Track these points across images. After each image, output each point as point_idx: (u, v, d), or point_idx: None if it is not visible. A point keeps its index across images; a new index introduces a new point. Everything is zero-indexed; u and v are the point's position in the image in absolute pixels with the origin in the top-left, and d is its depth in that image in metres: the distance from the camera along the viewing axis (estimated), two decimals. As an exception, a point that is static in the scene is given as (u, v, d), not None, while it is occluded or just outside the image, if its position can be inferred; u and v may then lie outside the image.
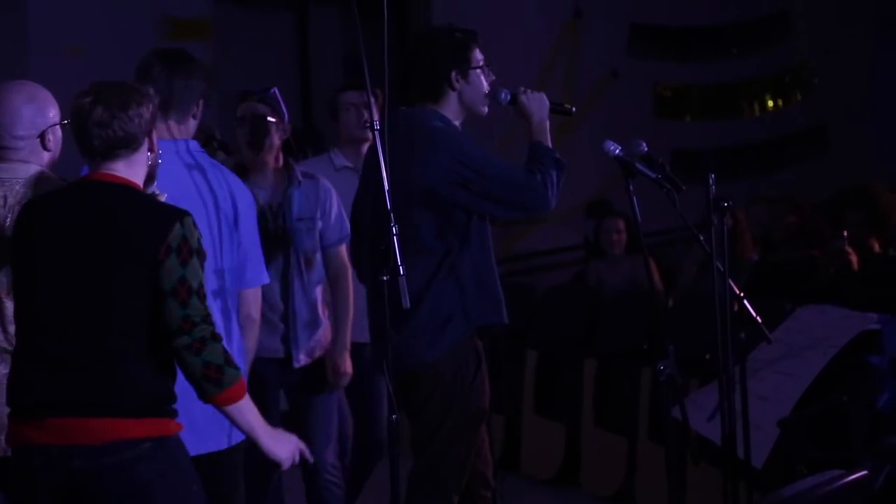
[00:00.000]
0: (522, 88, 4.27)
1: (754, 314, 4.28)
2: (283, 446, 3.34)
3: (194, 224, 3.24)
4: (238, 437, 3.75)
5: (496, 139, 7.97)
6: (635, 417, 6.38)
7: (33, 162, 3.73)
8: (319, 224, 4.85)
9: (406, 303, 3.47)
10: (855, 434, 4.91)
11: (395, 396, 3.51)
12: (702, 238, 4.19)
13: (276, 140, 4.81)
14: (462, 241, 4.14)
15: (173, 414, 3.27)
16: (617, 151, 4.04)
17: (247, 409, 3.27)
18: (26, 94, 3.75)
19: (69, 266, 3.21)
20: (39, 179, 3.68)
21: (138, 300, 3.18)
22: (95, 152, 3.24)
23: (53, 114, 3.78)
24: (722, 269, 4.13)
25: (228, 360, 3.22)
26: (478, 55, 4.25)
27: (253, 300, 4.03)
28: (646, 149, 4.09)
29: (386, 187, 3.55)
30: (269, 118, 4.77)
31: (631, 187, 4.00)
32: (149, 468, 3.17)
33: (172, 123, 3.86)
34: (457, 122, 4.25)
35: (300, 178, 4.83)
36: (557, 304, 7.69)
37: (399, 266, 3.44)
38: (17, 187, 3.67)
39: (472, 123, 4.37)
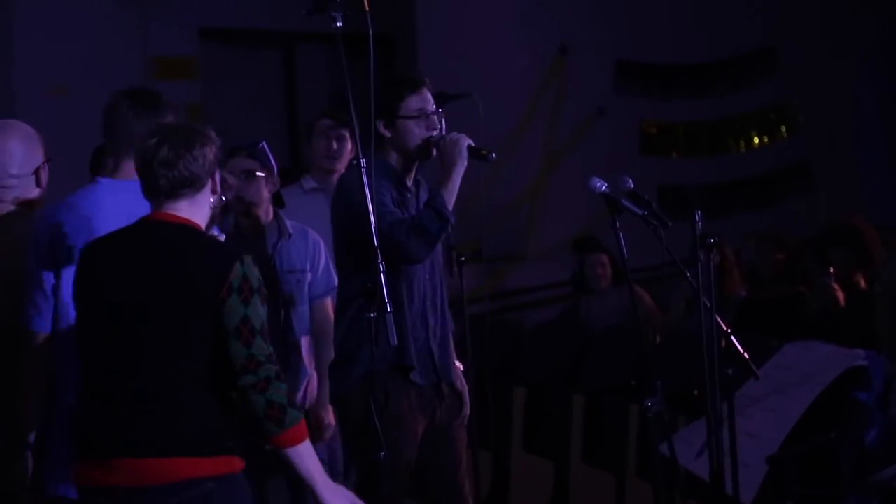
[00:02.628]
0: (449, 134, 4.27)
1: (742, 350, 4.28)
2: (339, 498, 3.30)
3: (253, 263, 3.27)
4: None
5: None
6: (624, 454, 6.37)
7: (26, 199, 3.77)
8: (308, 277, 4.86)
9: (393, 340, 3.47)
10: (843, 470, 4.91)
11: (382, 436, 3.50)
12: (689, 274, 4.20)
13: (266, 194, 4.83)
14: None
15: (237, 451, 3.27)
16: (603, 188, 4.05)
17: (306, 454, 3.26)
18: (20, 135, 3.84)
19: (133, 307, 3.22)
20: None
21: (202, 340, 3.21)
22: (160, 191, 3.28)
23: (42, 152, 3.84)
24: (709, 305, 4.13)
25: (291, 402, 3.25)
26: (413, 103, 4.27)
27: None
28: (632, 185, 4.11)
29: (373, 224, 3.56)
30: (259, 173, 4.78)
31: (617, 224, 4.01)
32: None
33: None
34: (403, 168, 4.30)
35: (290, 230, 4.85)
36: (545, 341, 7.69)
37: (386, 303, 3.45)
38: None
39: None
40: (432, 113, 4.29)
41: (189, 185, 3.28)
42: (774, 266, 7.22)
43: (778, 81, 11.46)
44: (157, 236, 3.27)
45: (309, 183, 5.52)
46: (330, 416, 4.89)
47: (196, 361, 3.21)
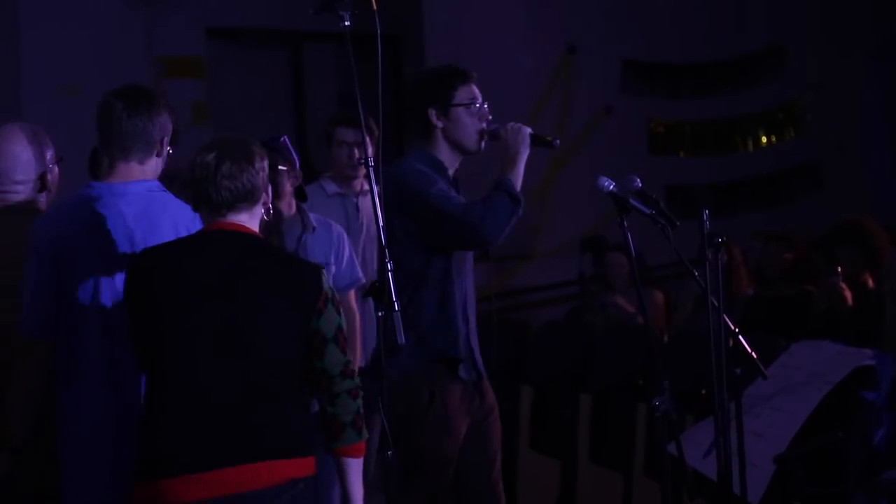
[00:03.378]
0: (510, 123, 4.34)
1: (749, 350, 4.28)
2: None
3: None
4: None
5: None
6: (631, 453, 6.36)
7: (31, 201, 3.76)
8: (333, 269, 4.88)
9: (401, 339, 3.48)
10: (851, 470, 4.90)
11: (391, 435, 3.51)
12: (696, 273, 4.20)
13: (288, 187, 4.85)
14: (423, 275, 4.21)
15: (314, 452, 3.32)
16: (611, 187, 4.05)
17: (359, 469, 3.38)
18: (25, 139, 3.80)
19: (212, 316, 3.23)
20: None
21: (293, 349, 3.27)
22: (222, 204, 3.32)
23: (50, 155, 3.81)
24: (717, 304, 4.13)
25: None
26: (464, 93, 4.32)
27: None
28: (640, 185, 4.10)
29: (381, 223, 3.57)
30: (281, 167, 4.80)
31: (625, 223, 4.01)
32: None
33: (134, 164, 3.73)
34: (449, 160, 4.34)
35: (314, 224, 4.86)
36: (552, 340, 7.69)
37: (394, 302, 3.46)
38: None
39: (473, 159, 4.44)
40: (482, 104, 4.34)
41: (250, 199, 3.34)
42: (782, 265, 7.21)
43: (786, 81, 11.45)
44: (233, 245, 3.31)
45: (331, 187, 5.56)
46: None
47: (289, 370, 3.27)
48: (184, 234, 3.64)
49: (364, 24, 3.68)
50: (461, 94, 4.33)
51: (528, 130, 4.32)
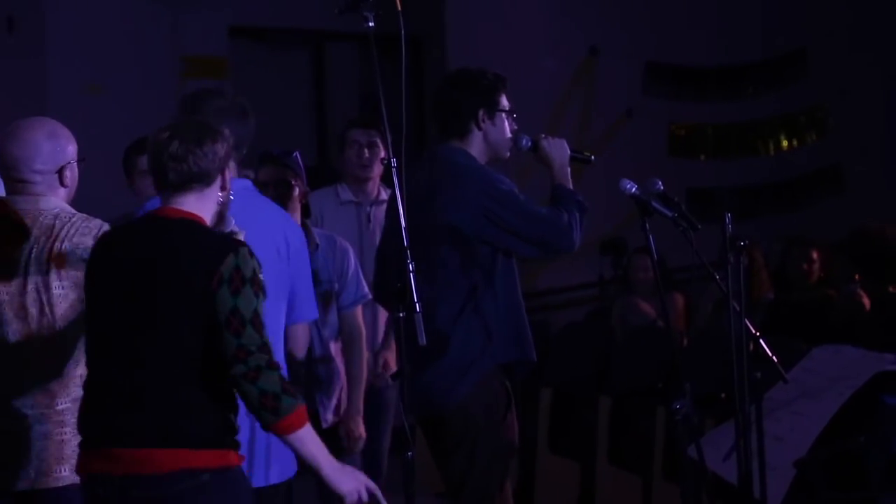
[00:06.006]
0: (543, 135, 4.36)
1: (770, 354, 4.27)
2: (347, 479, 3.28)
3: (250, 254, 3.27)
4: (277, 477, 3.73)
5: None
6: (650, 456, 6.35)
7: (50, 196, 3.78)
8: (336, 286, 4.87)
9: (422, 340, 3.48)
10: (871, 475, 4.88)
11: (410, 435, 3.50)
12: (718, 277, 4.19)
13: (298, 203, 4.84)
14: (487, 278, 4.19)
15: (235, 445, 3.28)
16: (633, 190, 4.05)
17: (308, 439, 3.24)
18: (47, 131, 3.83)
19: (131, 299, 3.26)
20: (63, 215, 3.75)
21: (196, 331, 3.22)
22: (169, 185, 3.31)
23: (72, 151, 3.85)
24: (738, 308, 4.12)
25: (286, 389, 3.21)
26: (505, 100, 4.34)
27: (302, 335, 4.06)
28: (661, 187, 4.10)
29: (402, 224, 3.57)
30: (292, 181, 4.80)
31: (647, 226, 4.01)
32: (209, 499, 3.19)
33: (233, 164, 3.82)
34: (482, 162, 4.34)
35: (318, 240, 4.86)
36: (572, 342, 7.68)
37: (415, 303, 3.46)
38: (45, 220, 3.73)
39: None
40: (513, 113, 4.38)
41: (198, 181, 3.31)
42: (808, 270, 7.19)
43: (808, 84, 11.41)
44: (157, 231, 3.31)
45: (345, 194, 5.55)
46: (360, 429, 4.87)
47: (192, 354, 3.22)
48: (279, 237, 3.77)
49: (386, 25, 3.69)
50: (504, 101, 4.35)
51: (566, 142, 4.36)
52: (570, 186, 4.35)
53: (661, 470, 6.29)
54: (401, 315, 3.50)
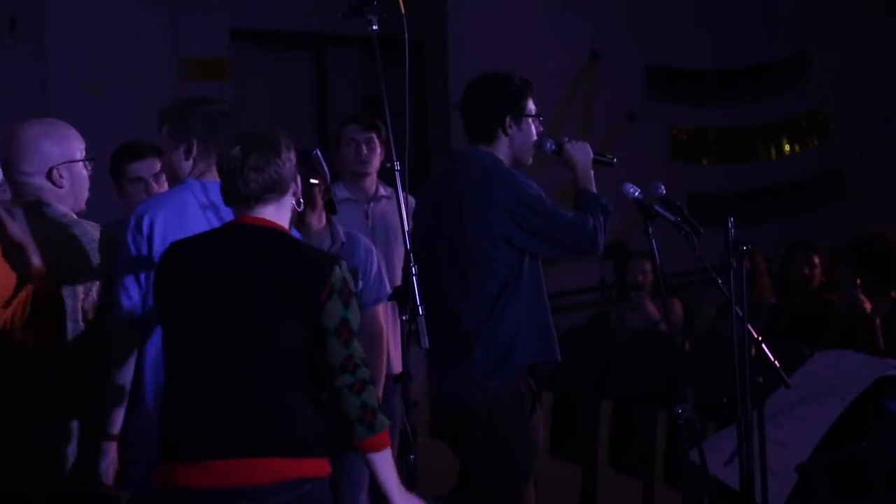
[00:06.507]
0: (567, 139, 4.41)
1: (772, 359, 4.26)
2: None
3: (348, 269, 3.31)
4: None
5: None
6: (651, 460, 6.34)
7: (45, 199, 3.73)
8: (360, 284, 4.87)
9: (425, 343, 3.48)
10: (874, 480, 4.88)
11: (413, 438, 3.50)
12: (720, 281, 4.18)
13: (319, 201, 4.85)
14: (515, 280, 4.23)
15: (328, 454, 3.28)
16: (636, 194, 4.06)
17: (388, 462, 3.29)
18: (38, 132, 3.76)
19: (226, 306, 3.25)
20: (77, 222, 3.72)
21: (299, 340, 3.23)
22: (250, 196, 3.31)
23: (69, 150, 3.77)
24: (741, 313, 4.11)
25: (381, 408, 3.27)
26: (531, 105, 4.38)
27: None
28: (664, 191, 4.10)
29: (406, 228, 3.57)
30: (313, 180, 4.81)
31: (650, 230, 4.01)
32: None
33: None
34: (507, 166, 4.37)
35: (342, 238, 4.86)
36: (573, 346, 7.67)
37: (418, 306, 3.46)
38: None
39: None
40: (539, 117, 4.41)
41: (277, 190, 3.32)
42: (810, 275, 7.18)
43: (810, 89, 11.41)
44: (251, 238, 3.30)
45: (341, 192, 5.52)
46: None
47: (295, 362, 3.23)
48: None
49: (388, 29, 3.69)
50: (531, 106, 4.39)
51: (589, 146, 4.41)
52: (594, 189, 4.39)
53: (662, 474, 6.28)
54: (404, 318, 3.50)
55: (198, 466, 3.18)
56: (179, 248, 3.38)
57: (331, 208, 4.92)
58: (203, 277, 3.28)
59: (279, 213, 3.35)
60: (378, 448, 3.26)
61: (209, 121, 3.81)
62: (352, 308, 3.26)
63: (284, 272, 3.24)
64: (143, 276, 3.66)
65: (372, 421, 3.23)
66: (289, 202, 3.37)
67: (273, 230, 3.32)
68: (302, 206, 3.46)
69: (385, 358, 4.89)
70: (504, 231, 4.19)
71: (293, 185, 3.37)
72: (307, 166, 4.78)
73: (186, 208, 3.69)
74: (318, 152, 4.85)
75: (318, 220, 4.87)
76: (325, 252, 3.42)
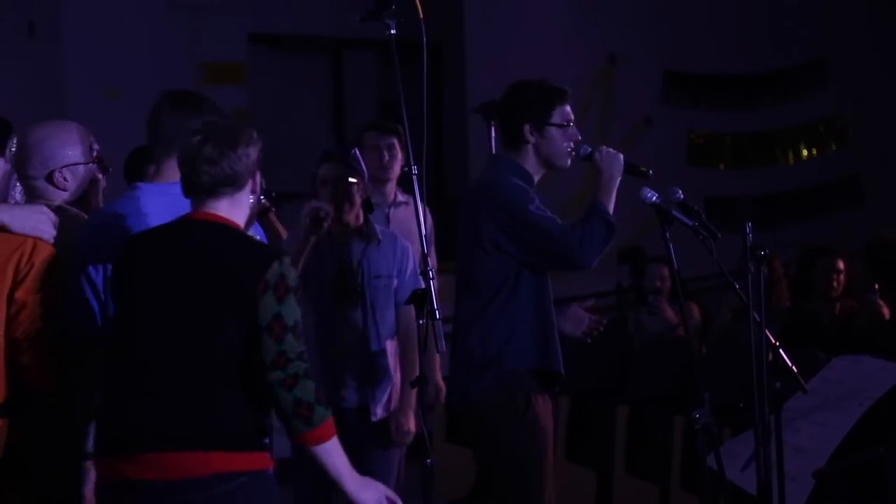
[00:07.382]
0: (603, 147, 4.43)
1: (790, 364, 4.26)
2: (369, 492, 3.28)
3: (291, 264, 3.28)
4: None
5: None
6: (668, 465, 6.33)
7: (49, 200, 3.72)
8: (395, 282, 4.90)
9: (442, 346, 3.49)
10: (891, 486, 4.86)
11: (429, 443, 3.50)
12: (738, 286, 4.18)
13: (357, 200, 4.88)
14: (513, 285, 4.27)
15: (267, 448, 3.28)
16: (654, 198, 4.06)
17: (335, 452, 3.25)
18: (41, 135, 3.74)
19: (168, 302, 3.25)
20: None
21: (235, 336, 3.22)
22: (202, 189, 3.29)
23: (72, 153, 3.75)
24: (758, 318, 4.11)
25: (319, 400, 3.22)
26: (560, 114, 4.40)
27: None
28: (682, 196, 4.10)
29: (423, 232, 3.58)
30: (351, 179, 4.83)
31: (668, 235, 4.01)
32: (244, 502, 3.18)
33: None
34: (535, 173, 4.42)
35: (379, 236, 4.89)
36: (589, 351, 7.65)
37: (435, 310, 3.46)
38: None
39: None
40: (572, 124, 4.42)
41: (231, 184, 3.29)
42: (835, 281, 7.16)
43: (828, 93, 11.38)
44: (197, 234, 3.30)
45: None
46: (410, 423, 4.91)
47: (231, 357, 3.22)
48: None
49: (405, 32, 3.69)
50: (558, 115, 4.41)
51: (622, 157, 4.40)
52: (611, 201, 4.38)
53: (678, 479, 6.27)
54: (420, 322, 3.51)
55: (133, 459, 3.19)
56: (135, 242, 3.38)
57: (368, 207, 4.95)
58: (151, 273, 3.28)
59: (232, 209, 3.32)
60: (318, 441, 3.22)
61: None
62: (287, 304, 3.21)
63: (226, 267, 3.23)
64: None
65: (308, 416, 3.19)
66: (244, 199, 3.34)
67: (222, 226, 3.29)
68: (261, 204, 3.43)
69: (418, 354, 4.92)
70: (490, 236, 4.26)
71: (251, 181, 3.33)
72: (346, 165, 4.84)
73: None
74: (357, 151, 4.90)
75: (355, 218, 4.91)
76: (267, 247, 3.35)
